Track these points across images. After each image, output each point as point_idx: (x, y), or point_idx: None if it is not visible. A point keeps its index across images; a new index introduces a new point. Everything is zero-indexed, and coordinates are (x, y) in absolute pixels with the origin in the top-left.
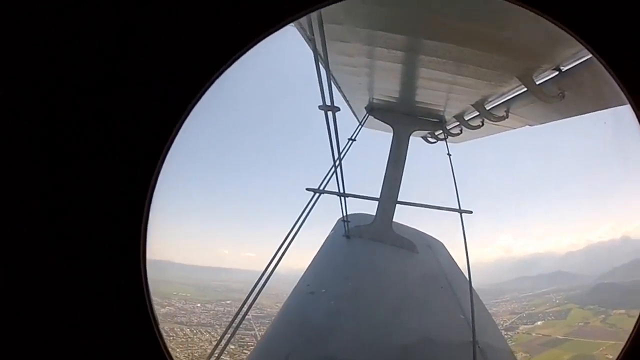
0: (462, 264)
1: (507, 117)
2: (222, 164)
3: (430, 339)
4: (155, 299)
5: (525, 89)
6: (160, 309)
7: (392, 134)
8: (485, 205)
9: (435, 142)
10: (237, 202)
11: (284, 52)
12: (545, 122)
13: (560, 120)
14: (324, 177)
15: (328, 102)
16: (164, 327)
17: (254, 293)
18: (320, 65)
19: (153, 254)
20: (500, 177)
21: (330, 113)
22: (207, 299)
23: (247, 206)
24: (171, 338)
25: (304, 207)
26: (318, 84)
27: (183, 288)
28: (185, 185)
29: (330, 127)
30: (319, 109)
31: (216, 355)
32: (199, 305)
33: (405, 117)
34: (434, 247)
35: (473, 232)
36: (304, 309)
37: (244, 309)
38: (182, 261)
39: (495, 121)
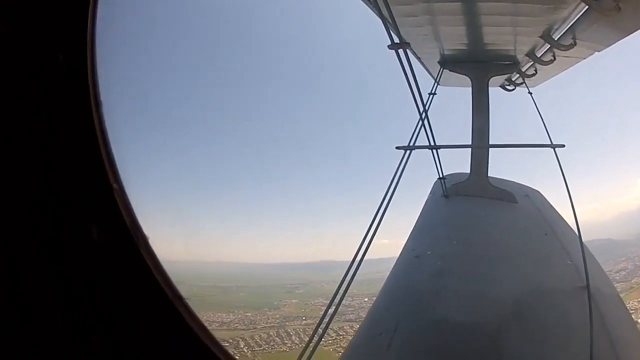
0: (568, 212)
1: (575, 45)
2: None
3: (540, 288)
4: (320, 300)
5: (586, 7)
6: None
7: (470, 87)
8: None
9: (513, 89)
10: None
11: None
12: (611, 44)
13: None
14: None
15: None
16: (334, 327)
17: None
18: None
19: (315, 258)
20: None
21: (402, 53)
22: (373, 292)
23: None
24: (341, 337)
25: (396, 167)
26: (382, 24)
27: None
28: (331, 189)
29: (407, 72)
30: (389, 48)
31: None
32: (366, 299)
33: (480, 64)
34: (532, 196)
35: (611, 183)
36: (410, 274)
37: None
38: (345, 259)
39: (565, 50)
